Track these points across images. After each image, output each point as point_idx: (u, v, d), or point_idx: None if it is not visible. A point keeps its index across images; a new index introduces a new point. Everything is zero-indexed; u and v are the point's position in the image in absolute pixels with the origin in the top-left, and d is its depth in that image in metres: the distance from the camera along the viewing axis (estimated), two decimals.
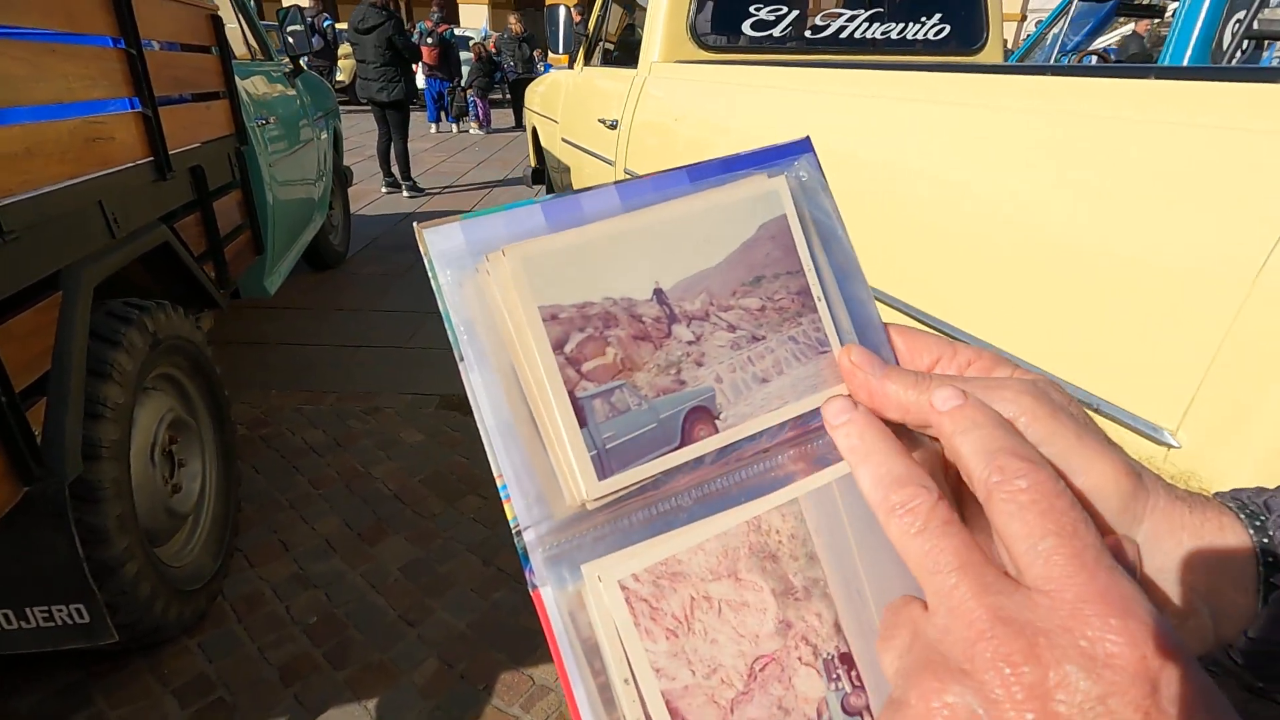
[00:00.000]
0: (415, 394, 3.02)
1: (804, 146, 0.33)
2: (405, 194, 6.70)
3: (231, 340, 3.45)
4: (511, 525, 0.25)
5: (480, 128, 10.99)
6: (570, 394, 0.27)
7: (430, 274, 0.26)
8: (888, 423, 0.30)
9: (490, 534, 2.19)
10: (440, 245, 0.27)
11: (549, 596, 0.25)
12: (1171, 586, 0.26)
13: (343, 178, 4.63)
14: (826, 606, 0.29)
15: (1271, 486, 0.30)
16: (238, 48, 2.97)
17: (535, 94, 4.85)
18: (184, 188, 1.98)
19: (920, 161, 1.18)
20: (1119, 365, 0.80)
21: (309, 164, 3.55)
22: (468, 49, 11.26)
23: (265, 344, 3.51)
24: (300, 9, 4.16)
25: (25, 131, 1.31)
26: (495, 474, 0.25)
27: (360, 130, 9.48)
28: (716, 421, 0.30)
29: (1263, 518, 0.28)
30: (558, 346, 0.27)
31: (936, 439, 0.31)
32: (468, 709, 1.63)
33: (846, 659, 0.29)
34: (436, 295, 0.26)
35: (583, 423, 0.27)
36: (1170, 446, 0.73)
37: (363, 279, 4.47)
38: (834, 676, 0.29)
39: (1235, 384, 0.68)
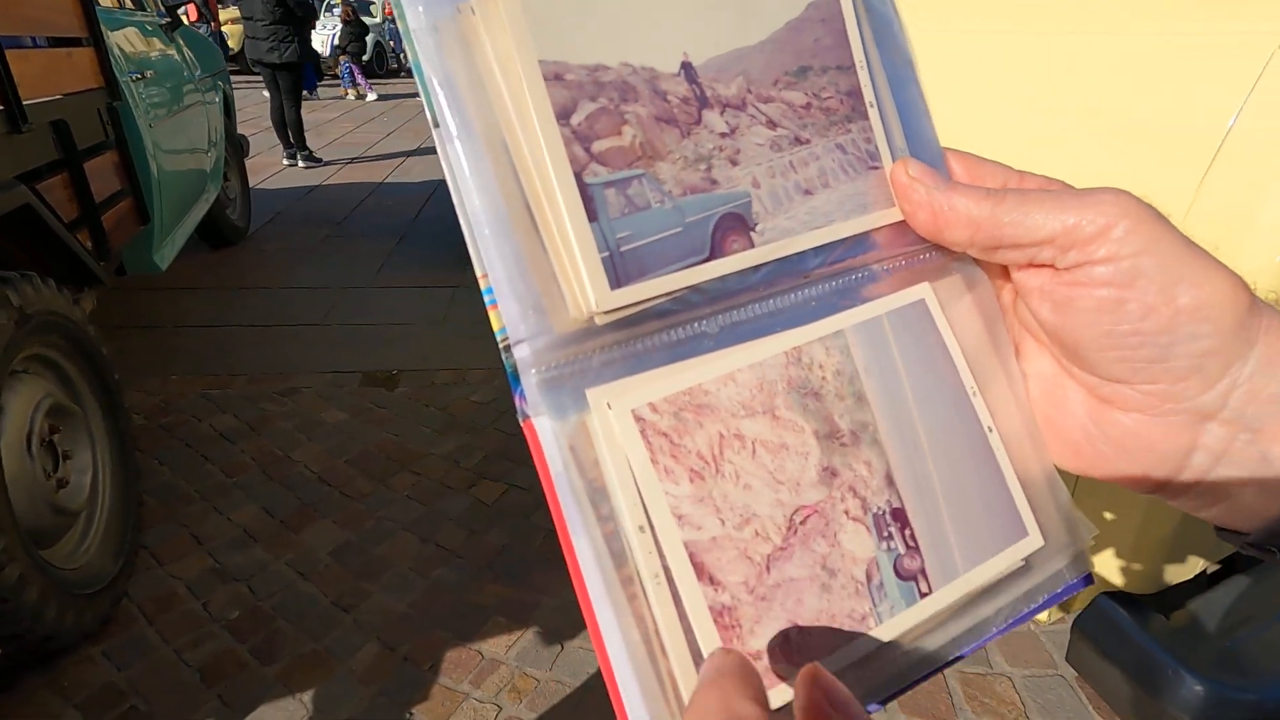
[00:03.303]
0: (335, 372, 2.83)
1: None
2: (301, 164, 6.18)
3: (124, 324, 3.14)
4: (499, 338, 0.20)
5: (360, 96, 10.42)
6: (578, 178, 0.21)
7: (397, 14, 0.20)
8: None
9: (427, 510, 2.07)
10: None
11: (545, 428, 0.20)
12: None
13: (238, 147, 4.27)
14: (877, 455, 0.25)
15: None
16: None
17: None
18: (45, 144, 1.73)
19: None
20: None
21: (197, 129, 3.25)
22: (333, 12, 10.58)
23: (162, 327, 3.21)
24: None
25: None
26: (479, 273, 0.20)
27: (257, 100, 8.84)
28: (752, 234, 0.24)
29: None
30: (563, 116, 0.21)
31: (1003, 277, 0.28)
32: (414, 691, 1.54)
33: (900, 515, 0.25)
34: (406, 43, 0.20)
35: (592, 216, 0.21)
36: None
37: (268, 255, 4.16)
38: (886, 534, 0.24)
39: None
